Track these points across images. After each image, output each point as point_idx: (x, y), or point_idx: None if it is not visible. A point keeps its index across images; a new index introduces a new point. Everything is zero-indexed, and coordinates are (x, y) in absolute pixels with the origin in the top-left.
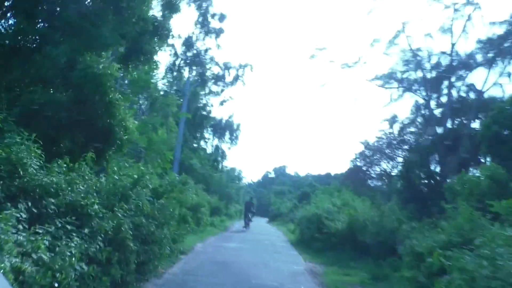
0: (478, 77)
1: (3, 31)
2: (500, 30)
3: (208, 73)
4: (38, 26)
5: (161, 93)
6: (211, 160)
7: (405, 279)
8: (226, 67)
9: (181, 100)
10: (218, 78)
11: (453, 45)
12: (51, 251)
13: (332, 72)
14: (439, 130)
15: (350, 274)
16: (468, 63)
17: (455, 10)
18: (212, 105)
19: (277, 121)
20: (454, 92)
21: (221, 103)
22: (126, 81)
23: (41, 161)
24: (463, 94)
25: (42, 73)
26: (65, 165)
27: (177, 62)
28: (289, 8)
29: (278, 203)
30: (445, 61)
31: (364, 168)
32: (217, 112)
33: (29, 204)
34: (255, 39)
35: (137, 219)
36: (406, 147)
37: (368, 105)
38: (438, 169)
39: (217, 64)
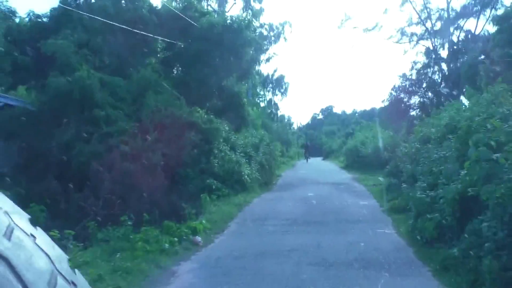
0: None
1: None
2: None
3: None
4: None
5: None
6: (267, 113)
7: None
8: (271, 28)
9: None
10: (263, 38)
11: (448, 3)
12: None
13: (358, 35)
14: (446, 68)
15: (373, 176)
16: (461, 14)
17: None
18: (260, 63)
19: (318, 66)
20: (455, 38)
21: (267, 60)
22: None
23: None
24: (462, 38)
25: (210, 93)
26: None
27: None
28: None
29: (330, 142)
30: (444, 15)
31: (404, 99)
32: (264, 68)
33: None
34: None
35: (265, 156)
36: (424, 85)
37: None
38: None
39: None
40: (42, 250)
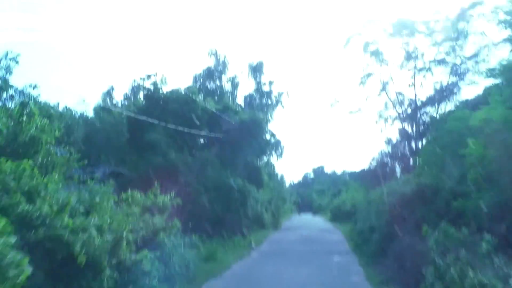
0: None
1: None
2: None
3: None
4: None
5: None
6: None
7: None
8: (269, 97)
9: None
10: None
11: (415, 95)
12: None
13: (345, 115)
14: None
15: (348, 224)
16: (427, 103)
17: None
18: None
19: (311, 130)
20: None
21: (264, 120)
22: None
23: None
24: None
25: (238, 165)
26: None
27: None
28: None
29: (319, 200)
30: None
31: (386, 163)
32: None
33: None
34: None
35: (275, 208)
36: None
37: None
38: None
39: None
40: None
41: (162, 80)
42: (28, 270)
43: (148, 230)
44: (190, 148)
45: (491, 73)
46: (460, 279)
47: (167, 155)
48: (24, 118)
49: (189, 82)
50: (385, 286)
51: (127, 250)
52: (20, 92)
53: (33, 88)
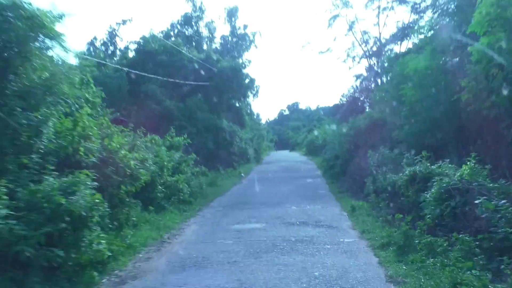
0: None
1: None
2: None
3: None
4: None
5: None
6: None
7: None
8: (244, 38)
9: None
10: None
11: (380, 33)
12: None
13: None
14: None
15: (320, 157)
16: (390, 40)
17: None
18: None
19: (285, 67)
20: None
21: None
22: None
23: None
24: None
25: (222, 108)
26: None
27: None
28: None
29: (295, 137)
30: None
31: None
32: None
33: None
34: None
35: (257, 145)
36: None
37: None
38: None
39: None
40: None
41: (150, 34)
42: (148, 176)
43: (175, 161)
44: (180, 95)
45: (420, 31)
46: (383, 180)
47: (162, 103)
48: None
49: (165, 27)
50: (341, 194)
51: (167, 174)
52: None
53: None
